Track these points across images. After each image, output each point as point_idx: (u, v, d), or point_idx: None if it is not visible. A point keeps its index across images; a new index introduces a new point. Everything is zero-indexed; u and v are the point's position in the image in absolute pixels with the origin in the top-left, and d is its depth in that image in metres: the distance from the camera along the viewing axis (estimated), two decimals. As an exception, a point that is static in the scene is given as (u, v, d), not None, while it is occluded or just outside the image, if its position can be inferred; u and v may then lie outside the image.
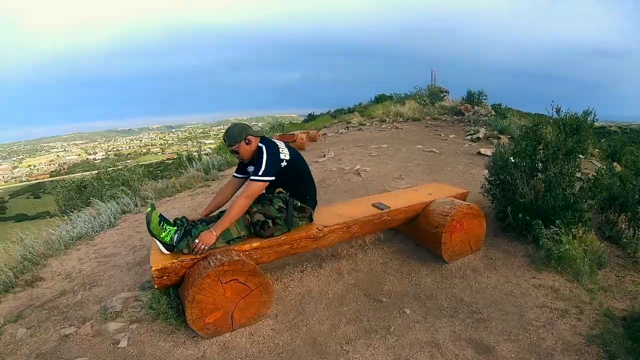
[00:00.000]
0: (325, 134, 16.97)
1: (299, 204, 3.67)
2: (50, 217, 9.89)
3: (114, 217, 7.86)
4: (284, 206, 3.54)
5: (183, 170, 11.99)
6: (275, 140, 3.67)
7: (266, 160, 3.37)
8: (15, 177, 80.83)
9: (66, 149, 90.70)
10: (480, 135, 13.08)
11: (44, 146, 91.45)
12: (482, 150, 10.14)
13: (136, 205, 8.61)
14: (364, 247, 4.64)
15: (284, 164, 3.49)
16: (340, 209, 4.21)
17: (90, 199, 8.99)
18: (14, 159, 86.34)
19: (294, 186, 3.69)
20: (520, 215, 4.51)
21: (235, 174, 3.88)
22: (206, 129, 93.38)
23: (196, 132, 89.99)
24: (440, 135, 13.57)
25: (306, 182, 3.82)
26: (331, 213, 4.08)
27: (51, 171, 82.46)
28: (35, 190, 73.22)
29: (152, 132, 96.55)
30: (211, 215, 3.79)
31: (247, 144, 3.51)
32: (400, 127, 15.52)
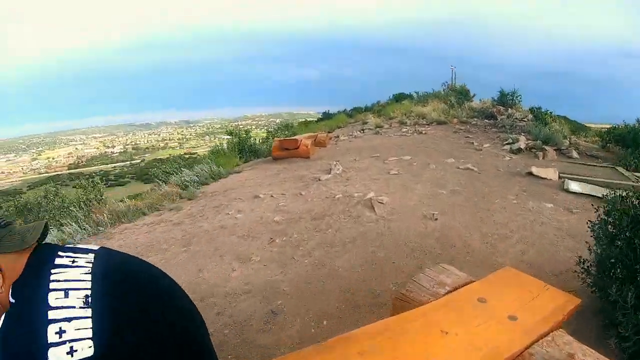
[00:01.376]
0: (338, 136, 14.62)
1: None
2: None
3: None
4: None
5: (162, 181, 9.85)
6: (64, 282, 1.10)
7: None
8: (34, 169, 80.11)
9: (85, 142, 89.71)
10: (521, 145, 10.69)
11: (63, 139, 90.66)
12: (535, 171, 7.74)
13: (86, 234, 6.56)
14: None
15: None
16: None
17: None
18: (33, 151, 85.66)
19: None
20: None
21: None
22: (224, 124, 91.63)
23: (214, 128, 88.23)
24: (473, 143, 11.16)
25: None
26: None
27: (69, 164, 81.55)
28: (52, 182, 72.16)
29: (171, 126, 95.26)
30: None
31: None
32: (423, 132, 13.08)
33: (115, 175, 72.94)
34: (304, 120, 34.90)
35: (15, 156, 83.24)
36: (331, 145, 12.22)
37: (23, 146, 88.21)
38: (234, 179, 9.07)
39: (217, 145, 13.04)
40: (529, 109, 14.02)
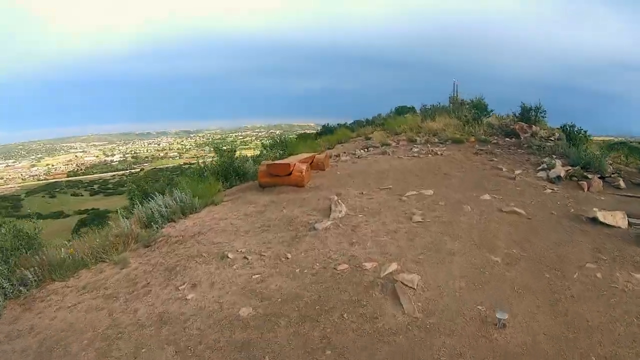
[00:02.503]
0: (339, 155, 12.49)
1: None
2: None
3: None
4: None
5: (123, 215, 7.77)
6: None
7: None
8: (33, 175, 77.77)
9: (85, 149, 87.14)
10: (560, 172, 8.64)
11: (63, 146, 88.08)
12: (601, 217, 5.64)
13: (2, 298, 4.57)
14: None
15: None
16: None
17: None
18: (33, 157, 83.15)
19: None
20: None
21: None
22: (224, 136, 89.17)
23: (214, 138, 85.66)
24: (502, 169, 9.06)
25: None
26: None
27: (68, 171, 79.13)
28: (51, 189, 70.19)
29: (171, 136, 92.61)
30: None
31: None
32: (438, 153, 10.94)
33: (113, 184, 70.77)
34: (303, 132, 32.78)
35: (15, 162, 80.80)
36: (331, 168, 10.09)
37: (23, 152, 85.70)
38: (208, 215, 6.95)
39: (201, 164, 10.91)
40: (560, 127, 11.82)
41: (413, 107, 22.76)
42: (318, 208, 6.37)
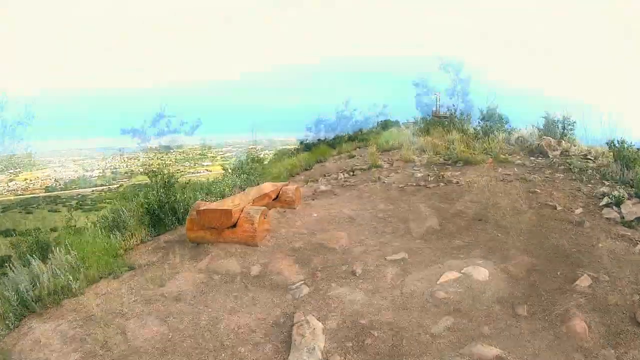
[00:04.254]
0: (317, 182, 9.25)
1: None
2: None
3: None
4: None
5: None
6: None
7: None
8: (10, 190, 73.00)
9: (64, 164, 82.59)
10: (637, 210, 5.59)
11: (43, 160, 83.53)
12: None
13: None
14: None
15: None
16: None
17: None
18: (11, 171, 78.37)
19: None
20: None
21: None
22: (204, 151, 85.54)
23: (194, 154, 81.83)
24: (555, 207, 5.93)
25: None
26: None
27: (46, 186, 74.50)
28: (27, 205, 65.57)
29: (151, 152, 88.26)
30: None
31: None
32: (453, 180, 7.66)
33: (92, 199, 66.48)
34: (281, 149, 29.61)
35: (-8, 177, 75.86)
36: (305, 205, 6.79)
37: (1, 166, 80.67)
38: (81, 309, 3.60)
39: (122, 198, 7.44)
40: (608, 144, 8.64)
41: (397, 121, 21.29)
42: (269, 318, 3.04)
